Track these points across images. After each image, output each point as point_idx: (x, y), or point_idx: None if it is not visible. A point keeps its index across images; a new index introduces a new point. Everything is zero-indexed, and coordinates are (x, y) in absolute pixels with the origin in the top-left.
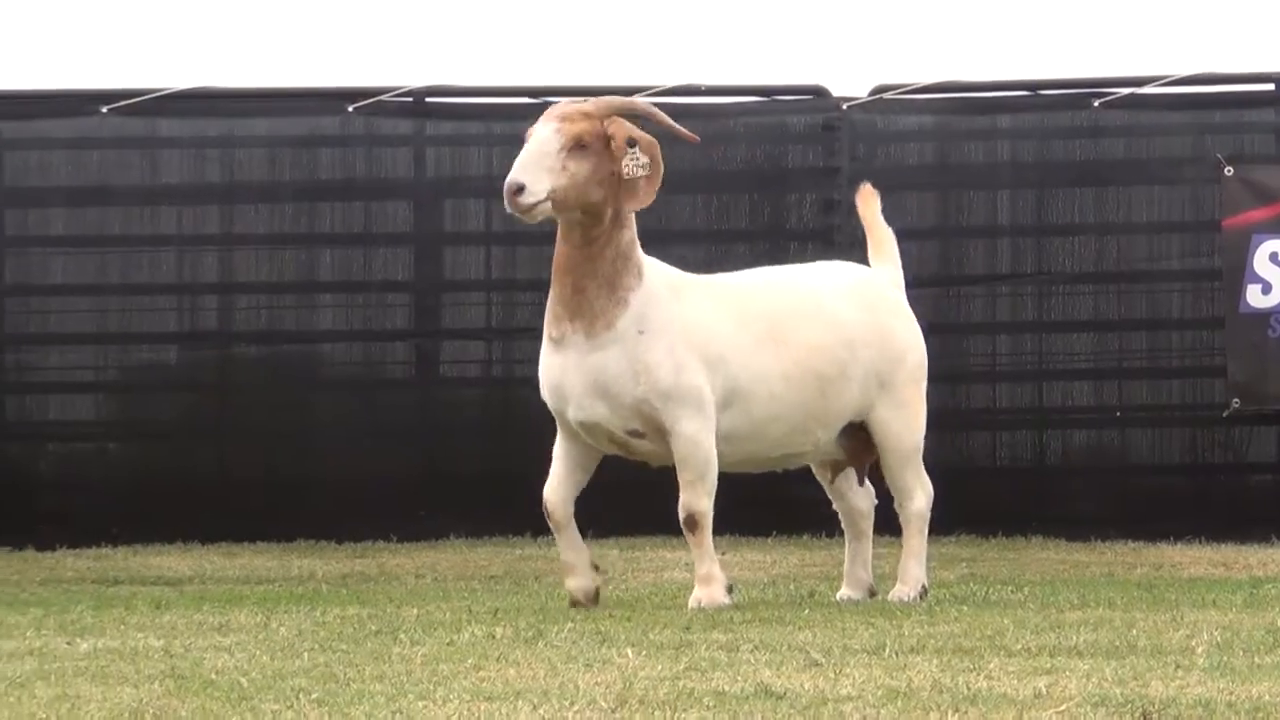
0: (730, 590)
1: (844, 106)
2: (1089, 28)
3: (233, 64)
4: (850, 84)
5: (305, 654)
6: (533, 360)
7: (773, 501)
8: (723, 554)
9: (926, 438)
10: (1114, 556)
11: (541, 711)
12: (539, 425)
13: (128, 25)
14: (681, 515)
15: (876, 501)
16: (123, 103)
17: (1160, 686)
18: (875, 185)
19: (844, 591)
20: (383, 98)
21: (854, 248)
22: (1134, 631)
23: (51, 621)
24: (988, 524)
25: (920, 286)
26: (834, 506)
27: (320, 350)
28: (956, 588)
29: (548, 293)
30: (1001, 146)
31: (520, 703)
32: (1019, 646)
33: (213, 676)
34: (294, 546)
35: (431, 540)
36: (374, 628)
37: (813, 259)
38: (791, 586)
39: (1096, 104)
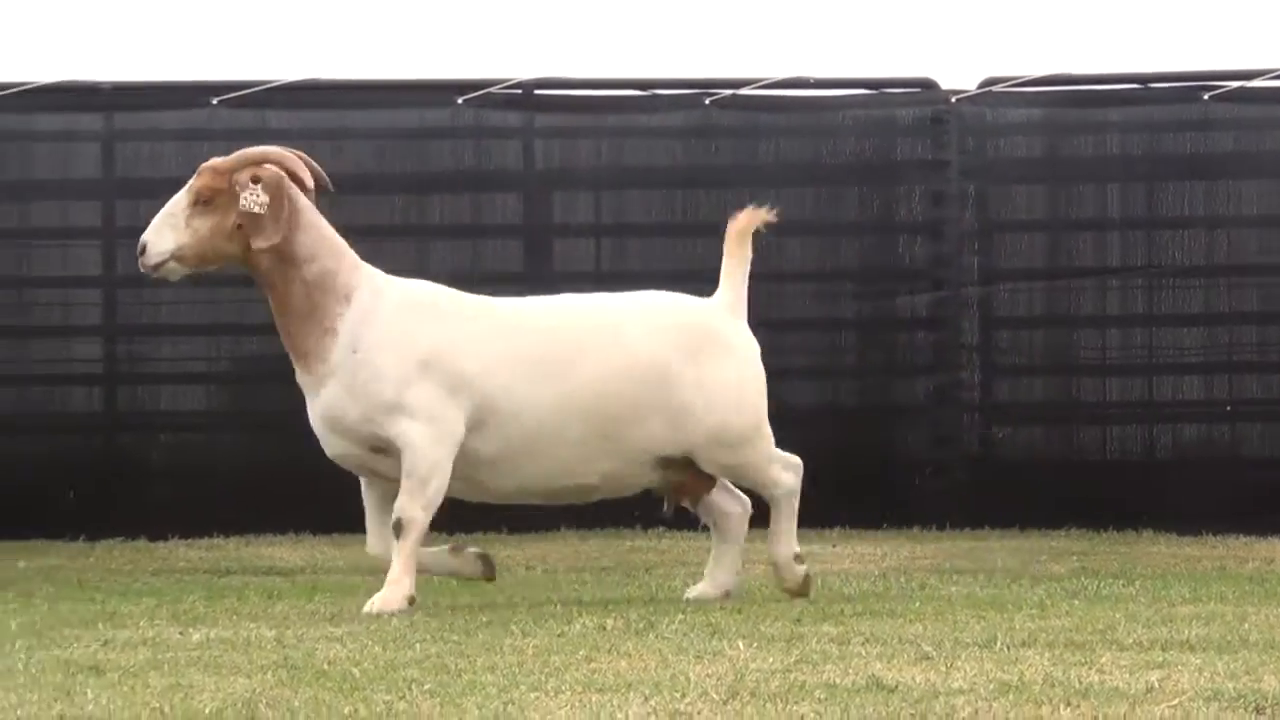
0: (412, 603)
1: (953, 99)
2: (1199, 20)
3: (342, 56)
4: (959, 76)
5: (417, 645)
6: None
7: (883, 493)
8: (833, 546)
9: (1034, 431)
10: (1225, 550)
11: (653, 703)
12: None
13: (239, 17)
14: (392, 518)
15: (751, 511)
16: (233, 94)
17: (1273, 681)
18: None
19: (699, 588)
20: (492, 90)
21: (963, 240)
22: (1246, 626)
23: (164, 611)
24: (1099, 518)
25: (1030, 280)
26: (703, 520)
27: None
28: (1068, 582)
29: (659, 287)
30: (1111, 139)
31: (632, 694)
32: (1131, 640)
33: (325, 667)
34: None
35: (542, 531)
36: (485, 619)
37: (922, 252)
38: (902, 579)
39: (1206, 97)
